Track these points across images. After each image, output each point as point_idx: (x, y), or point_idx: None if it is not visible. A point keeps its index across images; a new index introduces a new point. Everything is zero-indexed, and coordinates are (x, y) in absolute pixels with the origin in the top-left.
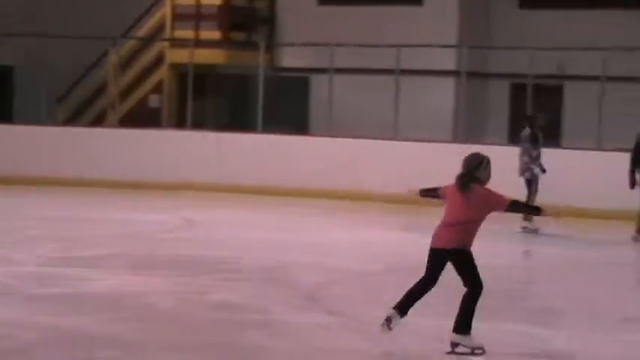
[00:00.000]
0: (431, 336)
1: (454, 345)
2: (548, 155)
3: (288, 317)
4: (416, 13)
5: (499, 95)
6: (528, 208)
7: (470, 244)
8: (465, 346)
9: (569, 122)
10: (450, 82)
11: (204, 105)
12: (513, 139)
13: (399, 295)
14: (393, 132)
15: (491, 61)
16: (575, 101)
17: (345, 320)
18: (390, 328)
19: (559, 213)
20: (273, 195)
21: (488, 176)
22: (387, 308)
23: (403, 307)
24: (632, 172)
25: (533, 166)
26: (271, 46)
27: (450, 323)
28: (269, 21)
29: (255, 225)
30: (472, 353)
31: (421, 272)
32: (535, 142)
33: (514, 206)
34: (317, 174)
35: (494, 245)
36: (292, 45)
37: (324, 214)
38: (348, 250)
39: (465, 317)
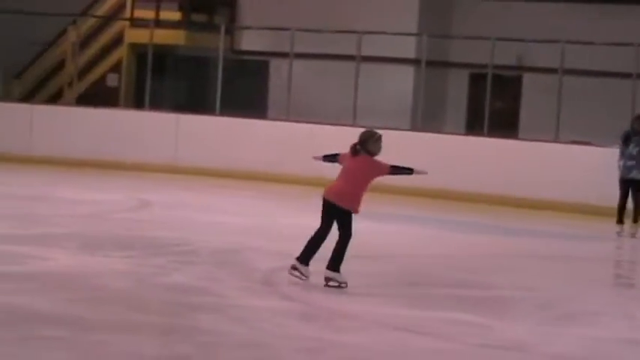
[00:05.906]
0: (390, 325)
1: (327, 279)
2: (504, 145)
3: (243, 301)
4: None
5: (458, 85)
6: (403, 170)
7: (356, 208)
8: (335, 281)
9: (526, 114)
10: (409, 70)
11: (163, 86)
12: (471, 128)
13: (353, 281)
14: (352, 118)
15: (451, 51)
16: (533, 93)
17: (301, 306)
18: (303, 276)
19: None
20: (228, 178)
21: (378, 149)
22: (343, 293)
23: (305, 257)
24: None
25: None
26: (231, 29)
27: (405, 311)
28: (230, 3)
29: (211, 208)
30: (339, 287)
31: (377, 257)
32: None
33: (394, 169)
34: (273, 158)
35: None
36: (253, 28)
37: (277, 199)
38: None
39: (338, 258)
